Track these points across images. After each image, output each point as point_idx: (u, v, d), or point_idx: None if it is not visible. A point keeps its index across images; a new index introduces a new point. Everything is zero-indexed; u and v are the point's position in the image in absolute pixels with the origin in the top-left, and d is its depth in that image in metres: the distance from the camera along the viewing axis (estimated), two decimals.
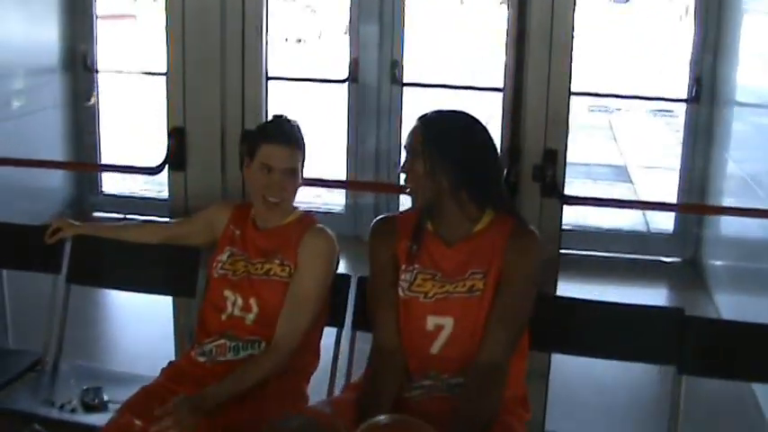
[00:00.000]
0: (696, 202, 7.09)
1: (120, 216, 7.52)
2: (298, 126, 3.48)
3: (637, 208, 8.57)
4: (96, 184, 7.85)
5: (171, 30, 4.10)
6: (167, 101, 4.16)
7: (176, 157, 4.12)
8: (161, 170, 4.19)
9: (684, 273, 7.13)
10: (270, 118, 3.65)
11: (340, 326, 3.63)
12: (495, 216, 3.18)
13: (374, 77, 7.24)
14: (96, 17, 7.71)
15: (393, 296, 3.20)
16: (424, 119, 3.14)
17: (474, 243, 3.15)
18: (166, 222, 3.98)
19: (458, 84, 10.25)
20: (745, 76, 6.33)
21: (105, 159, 7.88)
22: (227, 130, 4.08)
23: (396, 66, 7.22)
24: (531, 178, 3.88)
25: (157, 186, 8.13)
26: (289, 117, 3.52)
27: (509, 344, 3.10)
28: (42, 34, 7.37)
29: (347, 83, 7.36)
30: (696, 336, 3.47)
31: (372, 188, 7.46)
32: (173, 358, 4.25)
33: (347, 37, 7.61)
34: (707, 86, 6.92)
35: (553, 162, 3.87)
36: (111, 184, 7.92)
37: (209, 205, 3.80)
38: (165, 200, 7.66)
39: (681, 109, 13.42)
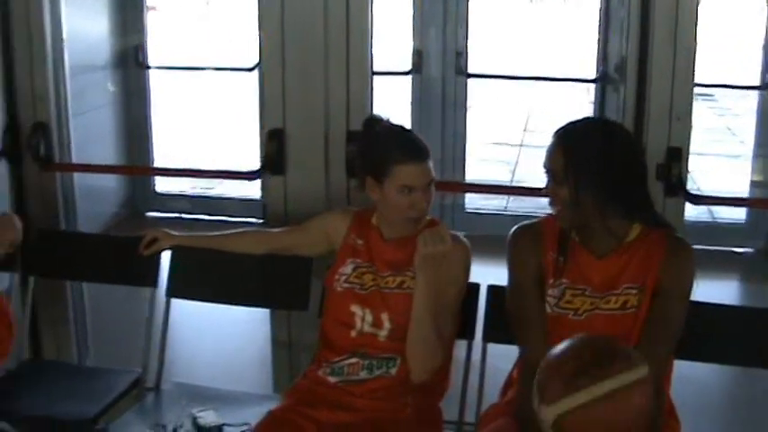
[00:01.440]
0: None
1: (174, 215, 7.36)
2: (414, 132, 3.26)
3: None
4: (149, 183, 7.64)
5: (265, 23, 3.87)
6: (262, 101, 3.94)
7: (275, 161, 3.88)
8: (259, 175, 3.97)
9: (759, 264, 6.89)
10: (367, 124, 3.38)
11: (470, 338, 3.41)
12: (644, 227, 2.98)
13: (438, 69, 7.00)
14: (147, 10, 7.48)
15: (542, 310, 3.00)
16: (562, 138, 2.91)
17: (625, 256, 2.95)
18: (269, 231, 3.74)
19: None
20: None
21: (157, 159, 7.70)
22: (331, 131, 3.85)
23: (460, 56, 6.98)
24: (654, 177, 3.64)
25: (208, 184, 7.96)
26: (380, 120, 3.31)
27: (665, 360, 2.95)
28: (93, 29, 7.12)
29: (411, 74, 7.12)
30: None
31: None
32: (269, 374, 4.09)
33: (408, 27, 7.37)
34: None
35: (677, 160, 3.71)
36: (163, 183, 7.70)
37: (322, 213, 3.56)
38: (214, 198, 7.72)
39: (721, 93, 13.26)
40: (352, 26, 3.78)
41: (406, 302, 3.14)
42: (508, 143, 10.44)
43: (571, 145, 2.88)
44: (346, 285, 3.26)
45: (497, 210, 7.42)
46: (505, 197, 7.65)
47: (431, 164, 3.17)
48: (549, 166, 2.91)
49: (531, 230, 3.08)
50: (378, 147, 3.21)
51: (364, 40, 3.80)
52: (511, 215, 7.22)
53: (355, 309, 3.24)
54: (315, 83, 3.83)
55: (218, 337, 5.19)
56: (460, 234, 3.26)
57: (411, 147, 3.16)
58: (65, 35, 4.35)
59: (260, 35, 3.92)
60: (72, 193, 4.46)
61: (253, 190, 7.29)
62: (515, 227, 3.12)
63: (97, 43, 7.18)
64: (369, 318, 3.22)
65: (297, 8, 3.80)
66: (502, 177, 8.99)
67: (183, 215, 7.30)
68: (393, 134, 3.24)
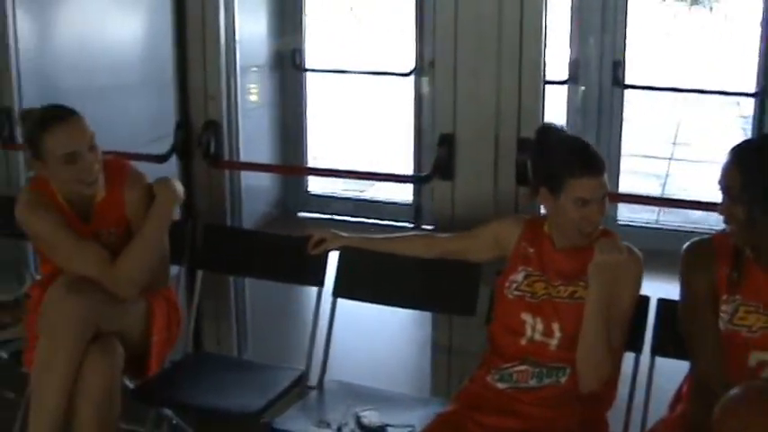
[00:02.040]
0: None
1: (325, 216, 7.43)
2: (591, 144, 3.22)
3: None
4: (302, 183, 7.73)
5: (439, 29, 3.89)
6: (419, 106, 3.94)
7: (444, 166, 3.88)
8: (429, 180, 3.98)
9: None
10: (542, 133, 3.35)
11: (638, 350, 3.36)
12: None
13: (595, 78, 6.93)
14: (305, 14, 7.57)
15: (715, 325, 2.95)
16: (739, 156, 2.86)
17: None
18: (438, 236, 3.74)
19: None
20: None
21: (309, 161, 7.79)
22: (502, 138, 3.82)
23: (618, 66, 6.88)
24: None
25: (359, 187, 8.02)
26: (554, 128, 3.29)
27: None
28: (253, 31, 7.24)
29: (567, 84, 7.05)
30: None
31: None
32: (425, 378, 4.10)
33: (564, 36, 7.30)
34: None
35: None
36: (316, 184, 7.78)
37: (493, 220, 3.55)
38: (366, 200, 7.77)
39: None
40: (526, 31, 3.75)
41: (577, 312, 3.12)
42: (658, 156, 10.28)
43: (748, 163, 2.82)
44: (517, 293, 3.25)
45: (648, 223, 7.31)
46: (655, 211, 7.52)
47: (606, 177, 3.14)
48: (725, 184, 2.87)
49: (705, 246, 3.03)
50: (554, 158, 3.18)
51: (538, 46, 3.76)
52: (662, 229, 7.11)
53: (526, 317, 3.22)
54: (486, 88, 3.81)
55: (371, 338, 5.20)
56: (632, 246, 3.22)
57: (589, 161, 3.13)
58: (237, 36, 4.42)
59: (434, 39, 3.94)
60: (239, 190, 4.54)
61: (405, 194, 7.34)
62: (689, 242, 3.07)
63: (256, 45, 7.29)
64: (539, 326, 3.20)
65: (470, 13, 3.80)
66: (652, 191, 8.84)
67: (335, 216, 7.36)
68: (570, 146, 3.21)
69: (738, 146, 2.90)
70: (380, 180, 5.83)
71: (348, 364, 4.13)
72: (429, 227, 6.84)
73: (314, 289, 3.93)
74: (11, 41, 4.77)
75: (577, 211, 3.10)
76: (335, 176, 7.07)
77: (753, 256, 2.93)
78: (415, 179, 4.16)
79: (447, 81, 3.88)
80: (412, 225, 7.13)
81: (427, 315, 4.17)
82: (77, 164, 3.46)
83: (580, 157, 3.15)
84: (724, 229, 2.98)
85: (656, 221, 7.37)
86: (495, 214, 3.79)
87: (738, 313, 2.93)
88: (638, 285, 3.21)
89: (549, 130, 3.30)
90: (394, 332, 5.24)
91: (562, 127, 3.31)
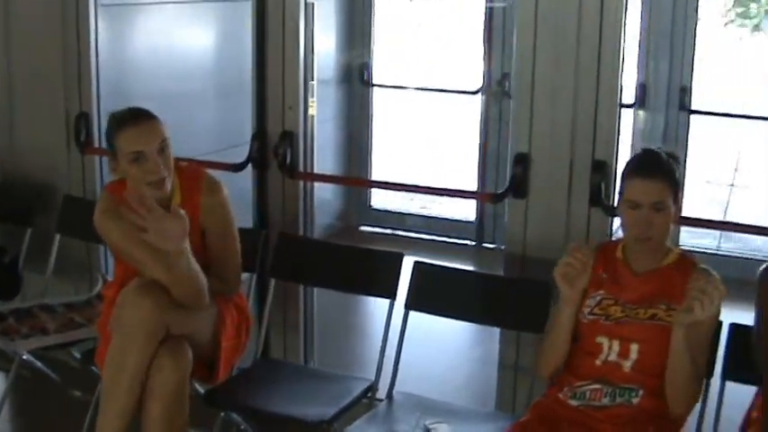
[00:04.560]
0: None
1: (386, 231, 7.48)
2: (667, 156, 3.24)
3: None
4: (365, 198, 7.79)
5: (520, 49, 3.93)
6: (486, 124, 3.98)
7: (519, 184, 3.92)
8: (503, 198, 4.02)
9: None
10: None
11: (708, 375, 3.37)
12: None
13: (662, 103, 6.93)
14: (374, 28, 7.63)
15: None
16: None
17: None
18: None
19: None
20: None
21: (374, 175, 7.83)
22: (576, 159, 3.86)
23: (685, 92, 6.89)
24: None
25: (422, 203, 8.06)
26: (660, 148, 3.29)
27: None
28: (323, 45, 7.30)
29: (633, 108, 7.05)
30: None
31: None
32: (493, 392, 4.14)
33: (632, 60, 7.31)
34: None
35: None
36: (379, 199, 7.83)
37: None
38: (429, 217, 7.80)
39: None
40: (604, 53, 3.79)
41: (657, 334, 3.14)
42: (719, 182, 10.22)
43: None
44: (591, 317, 3.27)
45: (709, 249, 7.28)
46: (716, 237, 7.49)
47: (667, 189, 3.16)
48: None
49: None
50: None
51: (615, 69, 3.81)
52: (723, 255, 7.08)
53: (602, 339, 3.25)
54: (563, 109, 3.86)
55: (438, 352, 5.24)
56: (710, 268, 3.24)
57: (643, 162, 3.23)
58: (316, 48, 4.49)
59: (513, 58, 3.98)
60: (311, 201, 4.60)
61: (466, 212, 7.36)
62: (765, 265, 3.08)
63: (325, 59, 7.36)
64: (615, 347, 3.23)
65: (549, 32, 3.85)
66: (713, 217, 8.79)
67: (397, 231, 7.42)
68: (639, 154, 3.31)
69: None
70: (452, 196, 5.83)
71: (414, 377, 4.17)
72: (490, 245, 6.94)
73: (380, 301, 4.00)
74: (92, 50, 4.86)
75: (629, 215, 3.16)
76: (406, 191, 7.09)
77: None
78: (488, 196, 4.16)
79: (524, 100, 3.93)
80: (474, 243, 7.18)
81: (494, 331, 4.21)
82: (144, 164, 3.52)
83: (637, 159, 3.25)
84: None
85: (718, 248, 7.35)
86: (566, 234, 3.83)
87: None
88: (719, 311, 3.20)
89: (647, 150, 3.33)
90: (459, 347, 5.27)
91: (663, 150, 3.29)
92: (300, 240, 4.44)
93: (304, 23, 4.43)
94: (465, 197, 6.13)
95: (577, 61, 3.82)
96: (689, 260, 3.27)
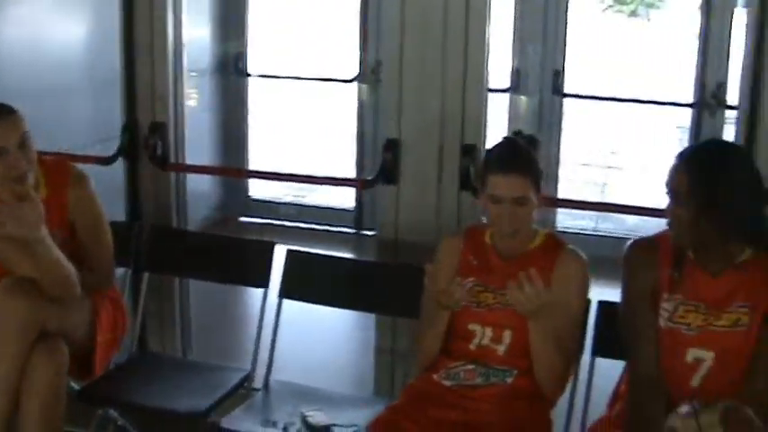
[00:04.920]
0: None
1: (265, 222, 7.45)
2: (527, 143, 3.28)
3: None
4: (243, 188, 7.75)
5: (384, 35, 3.96)
6: (361, 112, 4.00)
7: (389, 171, 3.95)
8: (373, 184, 4.03)
9: None
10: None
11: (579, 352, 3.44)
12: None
13: (536, 87, 7.03)
14: (248, 18, 7.59)
15: (654, 323, 3.03)
16: (687, 160, 2.93)
17: (739, 274, 2.97)
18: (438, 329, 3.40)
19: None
20: None
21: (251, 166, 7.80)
22: (446, 145, 3.90)
23: (558, 76, 7.00)
24: None
25: (300, 192, 8.06)
26: (521, 137, 3.33)
27: None
28: (196, 35, 7.23)
29: (508, 92, 7.14)
30: None
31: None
32: (371, 378, 4.16)
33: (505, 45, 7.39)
34: None
35: None
36: (257, 189, 7.80)
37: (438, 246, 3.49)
38: (307, 206, 7.81)
39: None
40: (470, 40, 3.83)
41: (525, 320, 3.16)
42: (596, 164, 10.42)
43: (696, 168, 2.90)
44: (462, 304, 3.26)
45: (585, 230, 7.41)
46: (594, 218, 7.63)
47: (527, 182, 3.18)
48: (672, 187, 2.94)
49: (648, 245, 3.10)
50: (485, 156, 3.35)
51: (481, 55, 3.85)
52: (599, 235, 7.21)
53: (474, 327, 3.28)
54: (431, 95, 3.88)
55: (314, 340, 5.24)
56: (578, 249, 3.30)
57: (504, 157, 3.22)
58: (185, 39, 4.45)
59: (379, 46, 3.99)
60: (184, 193, 4.56)
61: (345, 200, 7.38)
62: (632, 240, 3.16)
63: (199, 49, 7.29)
64: (489, 333, 3.26)
65: (416, 20, 3.87)
66: (591, 198, 8.97)
67: (275, 221, 7.39)
68: (498, 146, 3.31)
69: (686, 150, 2.99)
70: (325, 184, 5.83)
71: (291, 365, 4.17)
72: (369, 232, 6.96)
73: (257, 291, 3.97)
74: None
75: (492, 209, 3.20)
76: (281, 180, 7.07)
77: (694, 257, 3.01)
78: (360, 183, 4.18)
79: (392, 87, 3.95)
80: (353, 231, 7.20)
81: (370, 317, 4.23)
82: (4, 159, 3.44)
83: (497, 152, 3.26)
84: (666, 230, 3.06)
85: (594, 228, 7.48)
86: (437, 219, 3.87)
87: (678, 311, 3.00)
88: (586, 287, 3.30)
89: (507, 140, 3.34)
90: (336, 334, 5.29)
91: (524, 141, 3.31)
92: (173, 232, 4.41)
93: (173, 12, 4.37)
94: (337, 184, 6.13)
95: (444, 47, 3.84)
96: (557, 241, 3.33)
